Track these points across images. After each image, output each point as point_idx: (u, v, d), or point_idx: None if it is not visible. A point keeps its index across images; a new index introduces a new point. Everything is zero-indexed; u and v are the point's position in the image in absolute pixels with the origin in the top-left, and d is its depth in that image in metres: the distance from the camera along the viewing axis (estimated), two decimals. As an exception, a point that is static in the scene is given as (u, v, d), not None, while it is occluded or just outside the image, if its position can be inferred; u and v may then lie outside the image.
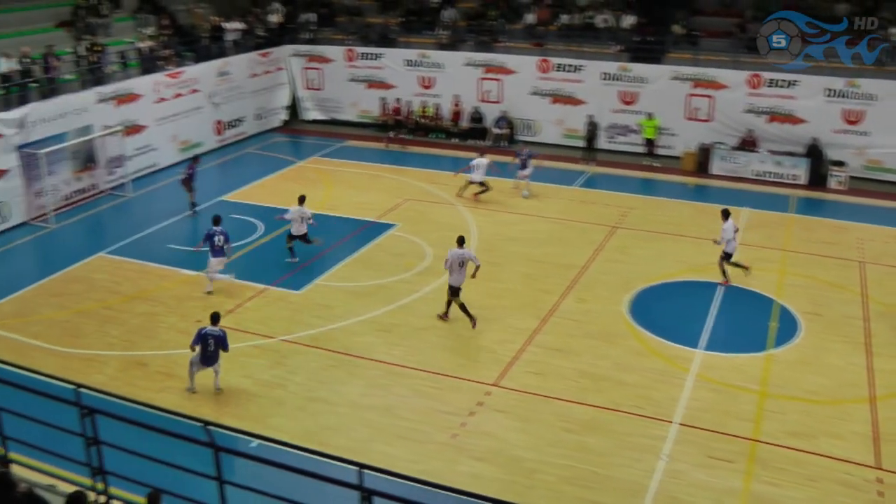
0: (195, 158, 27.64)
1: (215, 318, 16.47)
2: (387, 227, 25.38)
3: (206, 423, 8.99)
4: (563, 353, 18.24)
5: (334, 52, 37.98)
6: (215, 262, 21.06)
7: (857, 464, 14.68)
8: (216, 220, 21.32)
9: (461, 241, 19.54)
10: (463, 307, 19.34)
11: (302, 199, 22.52)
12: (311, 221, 22.45)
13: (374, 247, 23.85)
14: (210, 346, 16.20)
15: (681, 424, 15.68)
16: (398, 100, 36.47)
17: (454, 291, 19.43)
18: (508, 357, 18.05)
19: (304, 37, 39.12)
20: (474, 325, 19.26)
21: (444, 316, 19.80)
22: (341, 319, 19.81)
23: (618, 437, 15.27)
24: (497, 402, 16.43)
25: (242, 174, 31.42)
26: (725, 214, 21.66)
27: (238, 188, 29.59)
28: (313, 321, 19.73)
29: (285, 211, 22.88)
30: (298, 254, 22.84)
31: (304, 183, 29.75)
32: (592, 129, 32.50)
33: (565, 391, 16.75)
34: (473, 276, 19.36)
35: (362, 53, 37.41)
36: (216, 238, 20.88)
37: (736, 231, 21.57)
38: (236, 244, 23.99)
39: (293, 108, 39.39)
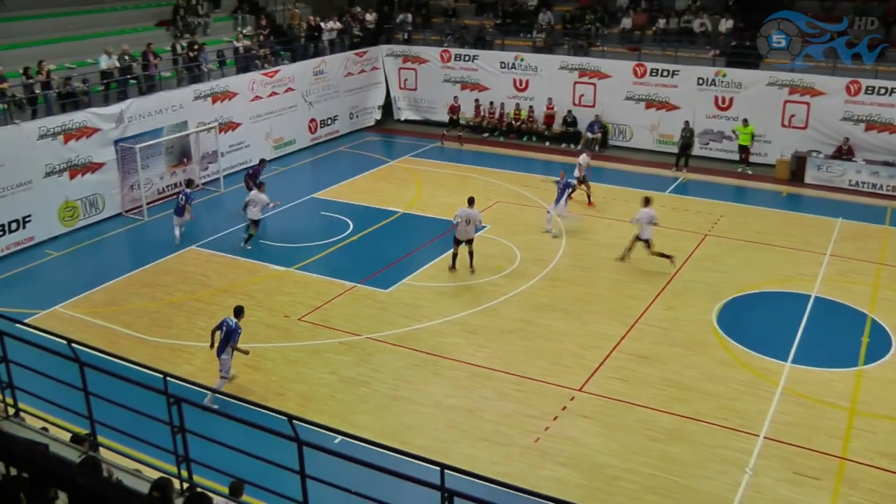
0: (262, 161, 28.04)
1: (237, 310, 16.73)
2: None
3: (292, 417, 8.98)
4: (649, 360, 18.17)
5: (430, 52, 38.33)
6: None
7: None
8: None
9: (471, 202, 22.19)
10: (470, 254, 22.31)
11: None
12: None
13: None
14: (221, 334, 16.43)
15: (767, 438, 15.48)
16: (491, 103, 36.72)
17: (457, 242, 22.14)
18: (594, 363, 18.05)
19: (399, 37, 39.60)
20: (472, 270, 22.30)
21: (451, 267, 22.47)
22: (428, 319, 20.05)
23: (702, 448, 15.16)
24: (581, 407, 16.46)
25: (334, 172, 31.94)
26: (646, 201, 22.68)
27: (329, 186, 30.08)
28: (400, 320, 20.00)
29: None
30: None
31: (396, 182, 30.15)
32: (688, 136, 32.19)
33: (651, 399, 16.71)
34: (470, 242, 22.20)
35: (457, 55, 37.68)
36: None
37: (652, 221, 22.36)
38: (327, 241, 24.52)
39: (386, 107, 39.81)
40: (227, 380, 16.58)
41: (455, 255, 22.41)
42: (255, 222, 24.15)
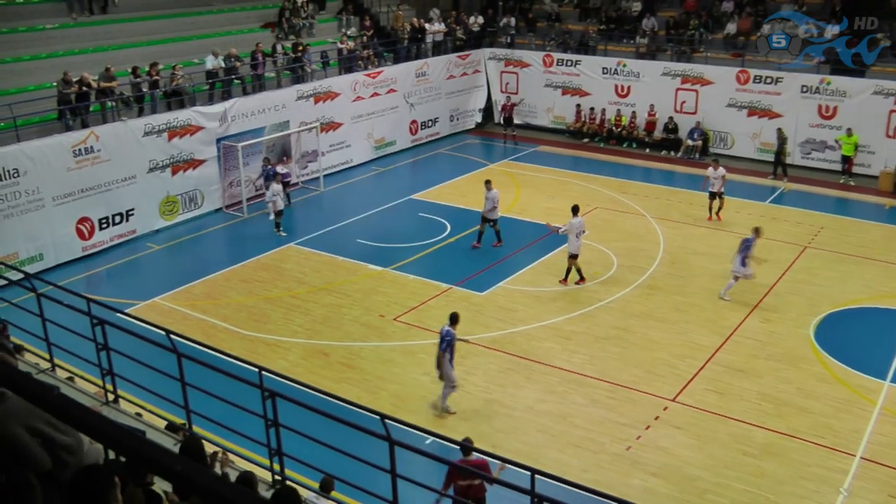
0: (266, 160, 28.39)
1: (453, 317, 16.54)
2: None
3: (384, 416, 9.12)
4: (744, 373, 18.04)
5: (532, 56, 38.44)
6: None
7: None
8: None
9: (575, 211, 21.92)
10: (578, 269, 21.98)
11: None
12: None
13: (559, 252, 23.77)
14: (442, 345, 16.27)
15: (863, 459, 15.23)
16: (592, 109, 36.68)
17: (574, 257, 21.80)
18: (689, 373, 18.01)
19: (503, 41, 39.83)
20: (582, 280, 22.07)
21: (563, 281, 22.14)
22: (522, 324, 20.23)
23: (796, 466, 15.01)
24: (674, 417, 16.45)
25: (433, 174, 32.37)
26: (574, 210, 22.06)
27: (428, 188, 30.47)
28: (494, 323, 20.21)
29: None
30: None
31: (495, 185, 30.24)
32: (781, 143, 31.70)
33: (745, 413, 16.59)
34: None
35: (560, 60, 37.70)
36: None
37: (581, 233, 21.96)
38: (424, 242, 24.89)
39: (488, 111, 40.06)
40: (453, 389, 16.52)
41: (569, 269, 22.21)
42: (279, 212, 25.74)
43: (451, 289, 22.09)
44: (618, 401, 17.01)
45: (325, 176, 31.00)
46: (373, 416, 9.63)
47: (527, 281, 22.51)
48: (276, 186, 25.53)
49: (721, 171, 26.35)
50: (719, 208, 26.80)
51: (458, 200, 28.81)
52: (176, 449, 7.59)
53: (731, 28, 35.73)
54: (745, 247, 21.19)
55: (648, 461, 15.10)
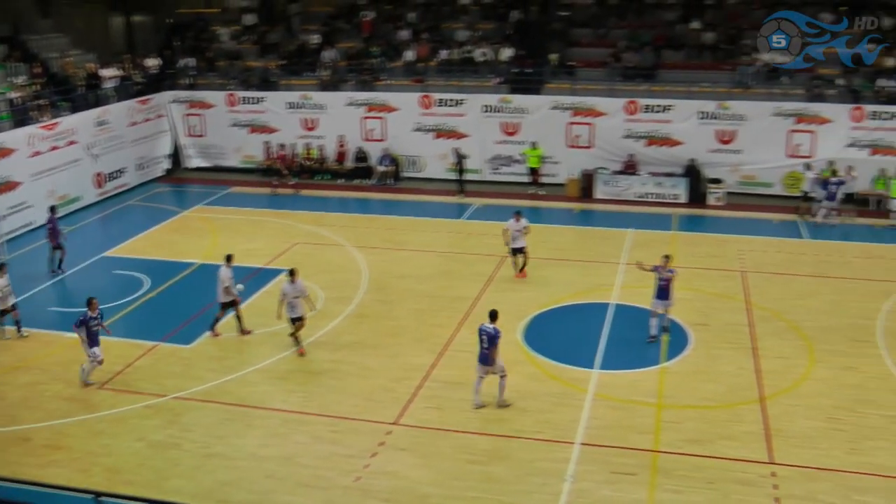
0: (52, 209, 26.63)
1: (492, 314, 17.03)
2: (277, 272, 24.89)
3: (98, 493, 8.57)
4: (461, 385, 18.14)
5: (215, 97, 37.54)
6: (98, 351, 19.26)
7: (752, 461, 15.35)
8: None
9: (293, 274, 19.92)
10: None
11: (229, 258, 21.14)
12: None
13: (264, 294, 23.33)
14: (484, 344, 16.80)
15: (583, 444, 15.87)
16: (282, 146, 36.25)
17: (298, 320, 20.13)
18: (407, 394, 17.92)
19: (183, 82, 38.59)
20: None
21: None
22: (235, 370, 19.37)
23: (522, 464, 15.30)
24: (398, 440, 16.29)
25: (125, 227, 30.53)
26: (228, 259, 20.89)
27: (121, 242, 28.69)
28: (206, 375, 19.22)
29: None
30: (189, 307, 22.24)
31: (190, 233, 29.24)
32: (460, 161, 32.86)
33: (466, 423, 16.72)
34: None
35: (243, 97, 37.08)
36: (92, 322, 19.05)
37: (233, 283, 20.66)
38: (123, 301, 23.39)
39: (175, 156, 38.64)
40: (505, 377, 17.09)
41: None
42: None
43: (158, 345, 20.75)
44: (341, 433, 16.62)
45: (7, 241, 28.31)
46: (85, 496, 9.00)
47: (234, 326, 21.57)
48: None
49: (524, 222, 23.93)
50: (524, 264, 24.35)
51: (154, 253, 27.44)
52: None
53: (410, 55, 36.67)
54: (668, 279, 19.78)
55: (379, 488, 14.81)
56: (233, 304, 21.01)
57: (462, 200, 32.36)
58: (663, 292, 19.73)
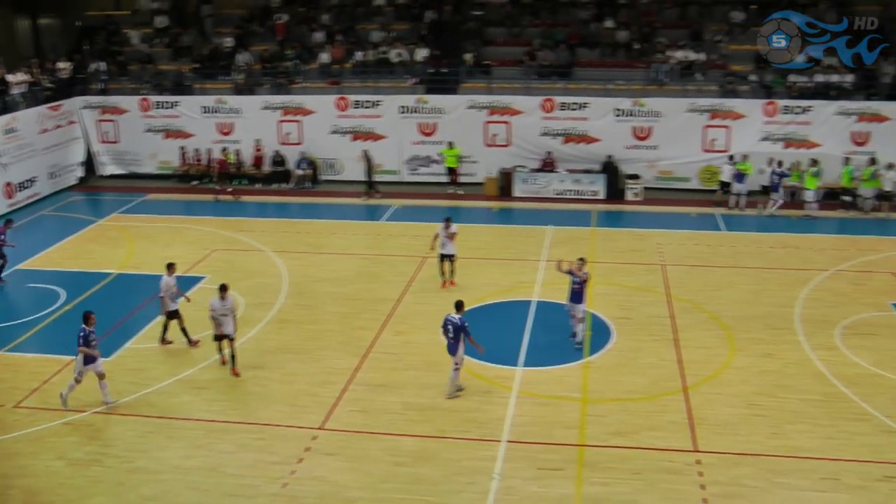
0: (8, 221, 25.98)
1: (458, 305, 17.45)
2: (196, 280, 24.54)
3: None
4: (386, 387, 18.18)
5: (128, 101, 36.70)
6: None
7: (677, 450, 15.67)
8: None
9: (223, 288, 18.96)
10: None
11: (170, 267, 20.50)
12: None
13: (183, 302, 22.82)
14: (450, 334, 17.19)
15: (509, 442, 15.99)
16: (196, 150, 35.80)
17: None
18: (332, 399, 17.81)
19: (95, 87, 37.61)
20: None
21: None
22: (157, 382, 18.97)
23: (449, 464, 15.33)
24: (325, 445, 16.18)
25: (39, 239, 29.61)
26: (169, 268, 20.34)
27: (35, 255, 27.81)
28: (127, 387, 18.73)
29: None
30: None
31: (106, 242, 28.59)
32: (369, 162, 32.88)
33: (392, 425, 16.70)
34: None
35: (157, 102, 36.36)
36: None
37: (176, 292, 20.34)
38: (38, 315, 22.77)
39: (89, 163, 37.69)
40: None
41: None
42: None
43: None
44: (266, 440, 16.42)
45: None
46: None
47: (154, 337, 21.09)
48: None
49: (454, 228, 23.37)
50: (452, 271, 23.79)
51: (70, 264, 26.75)
52: None
53: (325, 57, 36.41)
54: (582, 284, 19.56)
55: (306, 494, 14.69)
56: (176, 314, 20.49)
57: (368, 202, 32.40)
58: (577, 296, 19.61)
